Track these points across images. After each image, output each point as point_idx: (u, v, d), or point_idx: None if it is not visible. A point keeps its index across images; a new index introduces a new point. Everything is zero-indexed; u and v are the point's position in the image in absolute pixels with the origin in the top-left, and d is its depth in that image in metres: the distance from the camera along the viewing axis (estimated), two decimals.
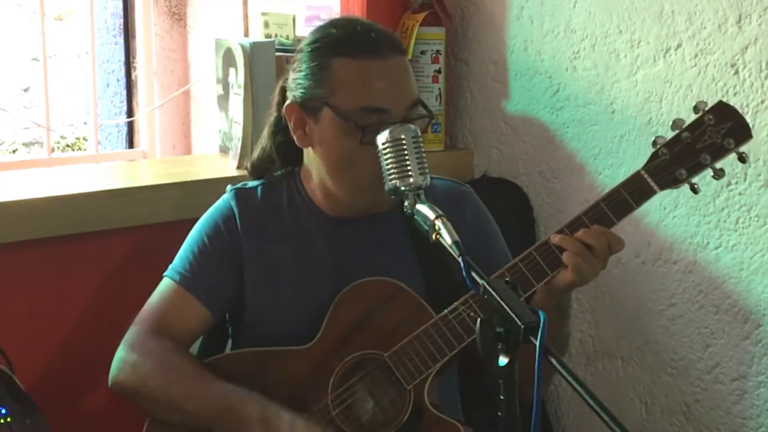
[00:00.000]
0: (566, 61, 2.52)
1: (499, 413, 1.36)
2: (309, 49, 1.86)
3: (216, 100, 2.70)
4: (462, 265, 1.47)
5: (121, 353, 1.88)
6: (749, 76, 2.19)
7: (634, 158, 2.39)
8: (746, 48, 2.19)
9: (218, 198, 1.99)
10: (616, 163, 2.44)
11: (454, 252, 1.50)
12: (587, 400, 1.32)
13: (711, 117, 1.76)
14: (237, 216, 1.93)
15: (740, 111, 1.78)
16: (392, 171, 1.68)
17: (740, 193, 2.24)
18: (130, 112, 3.49)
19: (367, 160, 1.76)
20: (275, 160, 1.97)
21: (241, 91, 2.50)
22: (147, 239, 2.36)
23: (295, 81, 1.87)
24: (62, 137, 4.34)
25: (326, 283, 1.88)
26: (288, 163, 1.97)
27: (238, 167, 2.52)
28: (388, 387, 1.81)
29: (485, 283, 1.42)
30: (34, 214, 2.19)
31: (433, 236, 1.57)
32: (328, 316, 1.85)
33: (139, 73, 3.42)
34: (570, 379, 1.34)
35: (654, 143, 1.79)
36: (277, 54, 2.54)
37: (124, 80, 3.47)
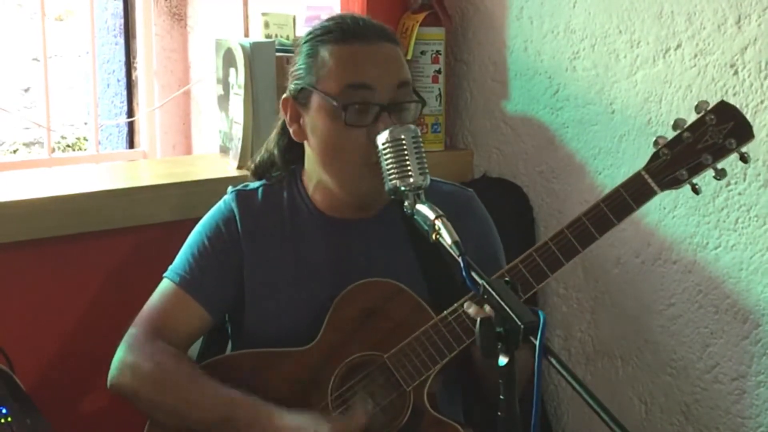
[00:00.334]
0: (566, 61, 2.52)
1: (499, 413, 1.36)
2: (302, 42, 1.89)
3: (216, 101, 2.70)
4: (461, 264, 1.47)
5: (119, 355, 1.88)
6: (749, 77, 2.20)
7: (633, 158, 2.40)
8: (746, 48, 2.20)
9: (218, 198, 1.99)
10: (616, 163, 2.45)
11: (454, 252, 1.50)
12: (587, 399, 1.32)
13: (713, 117, 1.75)
14: (237, 218, 1.93)
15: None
16: (392, 171, 1.68)
17: (740, 193, 2.24)
18: (130, 113, 3.49)
19: (352, 144, 1.78)
20: (276, 162, 1.98)
21: (242, 92, 2.51)
22: (147, 239, 2.36)
23: (291, 75, 1.90)
24: (63, 137, 4.34)
25: (326, 284, 1.88)
26: (289, 166, 1.98)
27: (239, 167, 2.52)
28: (388, 388, 1.81)
29: (485, 283, 1.42)
30: (35, 214, 2.19)
31: (433, 236, 1.56)
32: (328, 317, 1.85)
33: (140, 74, 3.42)
34: (570, 378, 1.34)
35: (655, 143, 1.78)
36: (278, 54, 2.55)
37: (125, 80, 3.47)
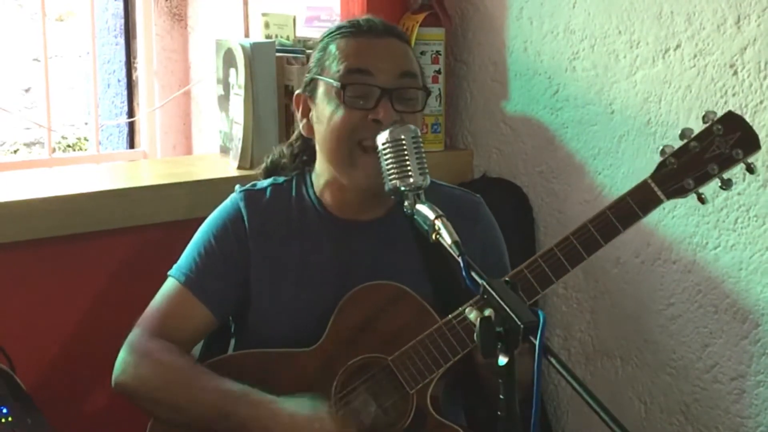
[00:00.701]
0: (566, 61, 2.53)
1: (499, 413, 1.36)
2: (317, 42, 1.94)
3: (216, 101, 2.71)
4: (461, 264, 1.47)
5: (123, 354, 1.89)
6: (748, 77, 2.20)
7: (633, 158, 2.40)
8: (745, 48, 2.20)
9: (219, 198, 2.00)
10: (616, 163, 2.45)
11: (454, 252, 1.50)
12: (587, 399, 1.32)
13: (720, 127, 1.77)
14: (245, 218, 1.93)
15: (740, 112, 1.79)
16: (392, 171, 1.68)
17: (739, 194, 2.25)
18: (130, 113, 3.50)
19: (349, 125, 1.81)
20: (288, 164, 2.01)
21: (242, 92, 2.51)
22: (148, 239, 2.36)
23: (304, 74, 1.95)
24: (63, 137, 4.35)
25: (332, 285, 1.88)
26: (299, 167, 2.00)
27: (239, 167, 2.52)
28: (391, 390, 1.82)
29: (485, 283, 1.43)
30: (35, 214, 2.20)
31: (433, 236, 1.57)
32: (333, 319, 1.85)
33: (140, 74, 3.43)
34: (569, 378, 1.34)
35: (662, 152, 1.79)
36: (278, 54, 2.55)
37: (125, 81, 3.48)
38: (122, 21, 3.44)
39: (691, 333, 2.36)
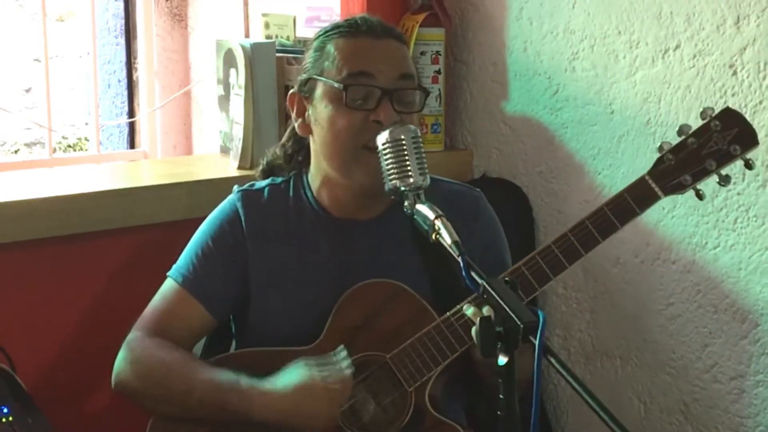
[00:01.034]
0: (565, 61, 2.53)
1: (499, 412, 1.36)
2: (312, 41, 1.93)
3: (217, 101, 2.71)
4: (461, 264, 1.47)
5: (122, 354, 1.89)
6: (747, 77, 2.20)
7: (632, 158, 2.40)
8: (744, 49, 2.20)
9: (219, 198, 2.00)
10: (615, 163, 2.45)
11: (454, 252, 1.50)
12: (586, 399, 1.32)
13: (717, 123, 1.76)
14: (242, 219, 1.93)
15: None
16: (392, 171, 1.68)
17: (738, 193, 2.25)
18: (131, 113, 3.50)
19: (350, 126, 1.81)
20: (284, 165, 2.00)
21: (242, 92, 2.51)
22: (148, 239, 2.36)
23: (299, 72, 1.93)
24: (64, 138, 4.35)
25: (330, 284, 1.88)
26: (296, 167, 2.00)
27: (239, 167, 2.53)
28: (390, 388, 1.82)
29: (485, 283, 1.43)
30: (36, 214, 2.20)
31: (433, 236, 1.57)
32: (332, 317, 1.85)
33: (141, 74, 3.43)
34: (569, 378, 1.34)
35: (660, 149, 1.79)
36: (278, 55, 2.55)
37: (126, 81, 3.48)
38: (123, 21, 3.44)
39: (690, 333, 2.36)
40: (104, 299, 2.35)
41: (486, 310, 1.62)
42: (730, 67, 2.22)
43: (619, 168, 2.43)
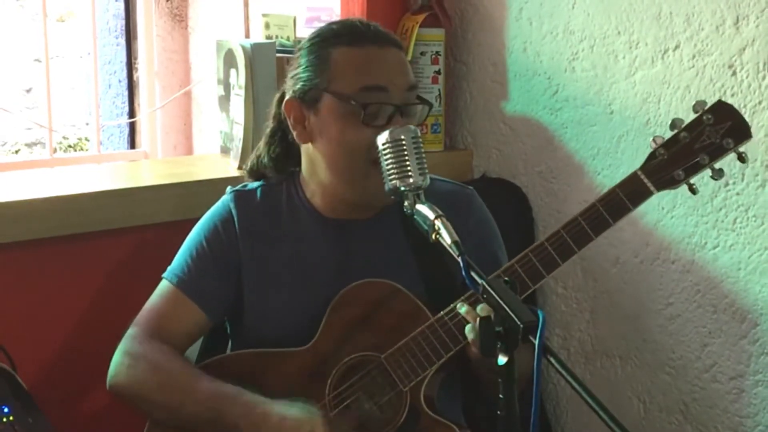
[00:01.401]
0: (565, 62, 2.53)
1: (498, 412, 1.36)
2: (308, 45, 1.88)
3: (217, 101, 2.71)
4: (461, 264, 1.47)
5: (117, 356, 1.89)
6: (747, 77, 2.21)
7: (632, 159, 2.40)
8: (744, 49, 2.21)
9: (219, 198, 2.00)
10: (615, 163, 2.45)
11: (454, 252, 1.50)
12: (586, 399, 1.33)
13: (710, 116, 1.74)
14: (235, 219, 1.93)
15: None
16: (392, 171, 1.68)
17: (738, 193, 2.25)
18: (131, 113, 3.50)
19: (365, 143, 1.77)
20: (269, 170, 1.98)
21: (242, 92, 2.52)
22: (148, 239, 2.37)
23: (294, 77, 1.88)
24: (64, 138, 4.36)
25: (325, 285, 1.88)
26: (282, 172, 1.97)
27: (239, 167, 2.53)
28: (385, 388, 1.82)
29: (485, 283, 1.43)
30: (37, 214, 2.20)
31: (433, 236, 1.57)
32: (326, 317, 1.85)
33: (141, 74, 3.43)
34: (569, 378, 1.34)
35: (652, 143, 1.78)
36: (278, 55, 2.56)
37: (126, 81, 3.48)
38: (123, 22, 3.45)
39: (690, 332, 2.37)
40: (104, 299, 2.35)
41: (480, 309, 1.62)
42: (730, 67, 2.23)
43: (619, 168, 2.44)
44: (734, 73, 2.22)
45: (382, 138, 1.70)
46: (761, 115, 2.18)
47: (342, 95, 1.80)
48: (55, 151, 3.28)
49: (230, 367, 1.88)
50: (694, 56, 2.28)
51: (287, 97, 1.89)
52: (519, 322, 1.33)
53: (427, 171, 1.69)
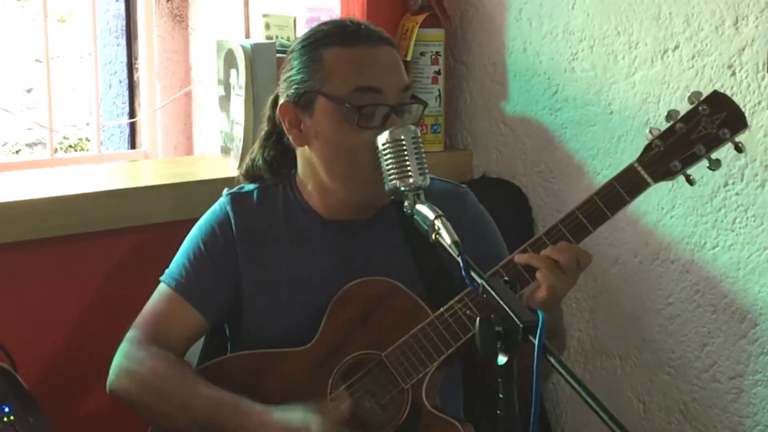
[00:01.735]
0: (565, 62, 2.53)
1: (498, 411, 1.37)
2: (299, 47, 1.87)
3: (217, 101, 2.72)
4: (461, 264, 1.47)
5: (116, 361, 1.89)
6: (746, 78, 2.21)
7: (631, 158, 2.37)
8: (743, 49, 2.21)
9: (218, 199, 2.00)
10: (615, 163, 2.45)
11: (454, 252, 1.50)
12: (585, 398, 1.32)
13: (705, 107, 1.74)
14: (232, 221, 1.93)
15: None
16: (392, 171, 1.68)
17: (737, 194, 2.25)
18: (132, 113, 3.50)
19: (362, 145, 1.77)
20: (264, 172, 1.97)
21: (243, 92, 2.52)
22: (149, 239, 2.37)
23: (287, 80, 1.87)
24: (65, 138, 4.36)
25: (323, 285, 1.88)
26: (277, 175, 1.97)
27: (240, 168, 2.53)
28: (386, 386, 1.82)
29: (484, 283, 1.43)
30: (37, 215, 2.21)
31: (433, 236, 1.57)
32: (326, 317, 1.85)
33: (141, 75, 3.44)
34: (568, 377, 1.34)
35: (648, 135, 1.77)
36: (278, 55, 2.55)
37: (126, 81, 3.49)
38: (123, 22, 3.45)
39: (689, 332, 2.37)
40: (105, 299, 2.35)
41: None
42: (729, 67, 2.23)
43: (619, 168, 2.38)
44: (733, 74, 2.23)
45: (382, 138, 1.70)
46: (760, 115, 2.19)
47: (336, 98, 1.80)
48: (55, 151, 3.29)
49: (231, 368, 1.88)
50: (693, 56, 2.29)
51: (281, 100, 1.88)
52: (519, 322, 1.33)
53: (427, 171, 1.69)
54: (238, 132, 2.54)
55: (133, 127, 3.51)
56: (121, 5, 3.44)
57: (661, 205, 2.37)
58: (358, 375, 1.83)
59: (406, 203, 1.66)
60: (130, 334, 1.91)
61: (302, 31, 2.75)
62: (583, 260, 1.75)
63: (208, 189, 2.34)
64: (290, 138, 1.88)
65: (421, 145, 1.71)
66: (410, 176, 1.67)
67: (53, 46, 3.60)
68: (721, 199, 2.28)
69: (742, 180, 2.24)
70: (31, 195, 2.23)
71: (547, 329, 1.31)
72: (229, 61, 2.59)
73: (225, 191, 1.99)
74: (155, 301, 1.94)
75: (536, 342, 1.32)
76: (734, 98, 2.17)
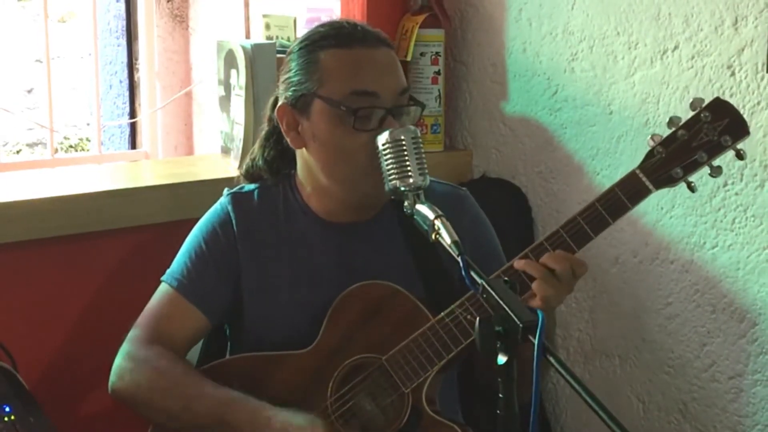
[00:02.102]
0: (564, 62, 2.54)
1: (498, 411, 1.37)
2: (297, 49, 1.87)
3: (217, 102, 2.72)
4: (461, 264, 1.48)
5: (118, 361, 1.89)
6: (745, 78, 2.21)
7: (631, 159, 2.41)
8: (742, 50, 2.21)
9: (219, 199, 2.00)
10: (614, 163, 2.46)
11: (454, 252, 1.50)
12: (585, 398, 1.32)
13: (707, 114, 1.73)
14: (234, 221, 1.93)
15: None
16: (392, 172, 1.68)
17: (737, 194, 2.26)
18: (132, 114, 3.51)
19: (358, 148, 1.77)
20: (264, 172, 1.97)
21: (243, 93, 2.52)
22: (149, 239, 2.37)
23: (285, 82, 1.87)
24: (65, 138, 4.36)
25: (324, 287, 1.88)
26: (277, 175, 1.97)
27: (240, 168, 2.53)
28: (387, 390, 1.82)
29: (484, 283, 1.43)
30: (38, 215, 2.21)
31: (433, 236, 1.57)
32: (327, 320, 1.85)
33: (142, 75, 3.44)
34: (568, 377, 1.34)
35: (650, 141, 1.78)
36: (278, 56, 2.56)
37: (127, 82, 3.49)
38: (124, 22, 3.45)
39: (689, 332, 2.37)
40: (105, 299, 2.36)
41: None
42: (729, 67, 2.23)
43: (618, 168, 2.44)
44: (733, 74, 2.23)
45: (382, 138, 1.70)
46: (760, 115, 2.19)
47: (332, 100, 1.79)
48: (56, 151, 3.30)
49: (232, 370, 1.88)
50: (693, 57, 2.29)
51: (279, 102, 1.89)
52: (519, 322, 1.33)
53: (427, 171, 1.69)
54: (239, 132, 2.55)
55: (133, 128, 3.52)
56: (122, 5, 3.45)
57: (660, 205, 2.37)
58: (358, 378, 1.82)
59: (406, 203, 1.67)
60: (132, 334, 1.91)
61: (302, 31, 2.75)
62: (579, 270, 1.75)
63: (209, 189, 2.35)
64: (288, 140, 1.88)
65: (421, 145, 1.71)
66: (410, 176, 1.67)
67: (54, 46, 3.60)
68: (721, 199, 2.28)
69: (741, 180, 2.24)
70: (31, 195, 2.24)
71: None
72: (230, 61, 2.59)
73: (225, 191, 1.99)
74: (157, 301, 1.94)
75: (536, 342, 1.32)
76: (733, 99, 2.20)
